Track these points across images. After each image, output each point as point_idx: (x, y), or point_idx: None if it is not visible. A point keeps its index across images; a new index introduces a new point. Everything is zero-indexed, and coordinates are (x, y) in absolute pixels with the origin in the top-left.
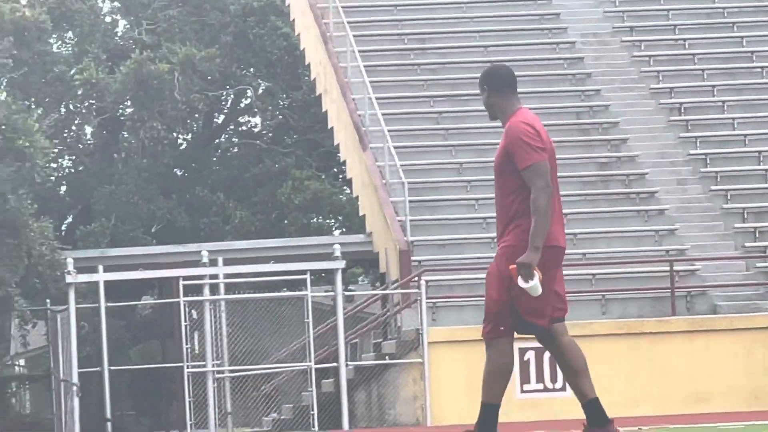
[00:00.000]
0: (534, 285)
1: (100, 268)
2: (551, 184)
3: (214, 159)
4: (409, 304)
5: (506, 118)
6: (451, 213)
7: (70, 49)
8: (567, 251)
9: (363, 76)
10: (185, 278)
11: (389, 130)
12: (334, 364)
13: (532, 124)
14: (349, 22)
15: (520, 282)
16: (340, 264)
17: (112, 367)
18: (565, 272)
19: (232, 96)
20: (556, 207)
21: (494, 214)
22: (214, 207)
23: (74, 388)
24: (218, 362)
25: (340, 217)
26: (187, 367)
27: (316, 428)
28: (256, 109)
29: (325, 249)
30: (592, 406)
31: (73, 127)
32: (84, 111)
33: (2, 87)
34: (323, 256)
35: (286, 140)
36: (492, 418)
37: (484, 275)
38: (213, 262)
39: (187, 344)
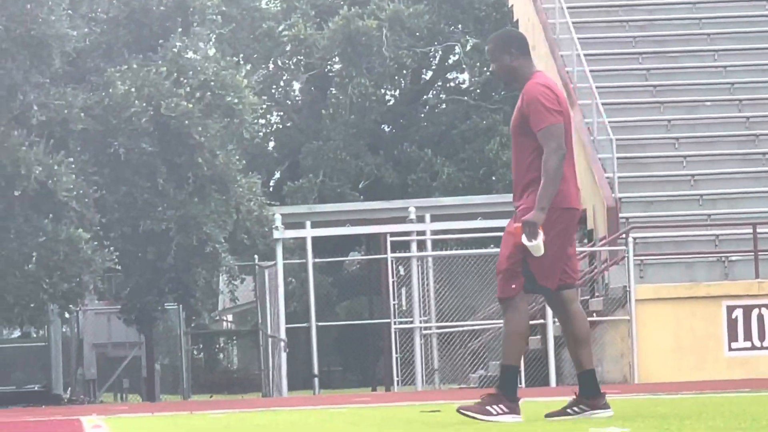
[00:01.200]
0: (537, 244)
1: (308, 224)
2: (564, 147)
3: (422, 115)
4: (616, 261)
5: (525, 81)
6: (658, 170)
7: (278, 5)
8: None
9: (571, 32)
10: (392, 234)
11: (597, 87)
12: (541, 320)
13: (551, 86)
14: None
15: (524, 240)
16: None
17: (320, 323)
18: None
19: (439, 52)
20: (571, 170)
21: (703, 171)
22: (422, 163)
23: (282, 343)
24: (425, 318)
25: None
26: (394, 324)
27: (523, 385)
28: (464, 66)
29: None
30: (586, 377)
31: (281, 83)
32: (292, 67)
33: (211, 43)
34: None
35: (493, 96)
36: (512, 380)
37: (691, 233)
38: (420, 219)
39: (394, 300)
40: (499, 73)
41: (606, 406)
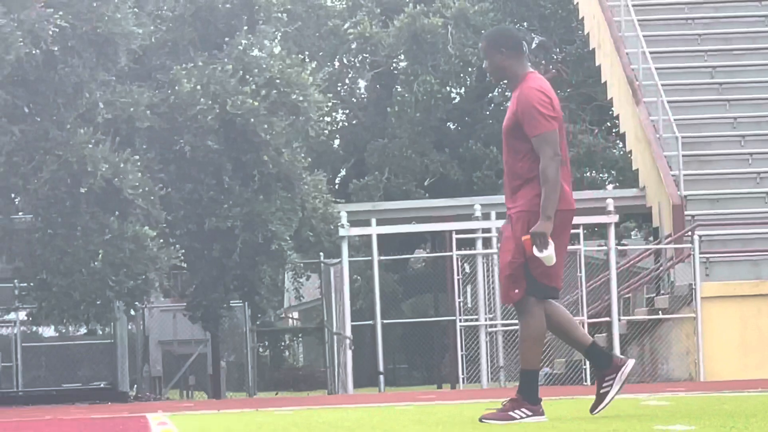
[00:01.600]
0: (549, 254)
1: (373, 221)
2: (560, 152)
3: (487, 113)
4: (682, 258)
5: (518, 81)
6: (724, 167)
7: (344, 2)
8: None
9: (637, 30)
10: (458, 232)
11: (663, 84)
12: (607, 318)
13: (546, 91)
14: None
15: (535, 251)
16: (614, 218)
17: (385, 321)
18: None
19: None
20: (565, 171)
21: (767, 169)
22: (487, 161)
23: (347, 341)
24: (490, 316)
25: (613, 172)
26: (460, 321)
27: (589, 383)
28: (529, 63)
29: (598, 203)
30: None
31: (347, 81)
32: (357, 65)
33: (277, 41)
34: (596, 210)
35: (559, 94)
36: (533, 384)
37: (758, 230)
38: (485, 216)
39: (459, 298)
40: (490, 70)
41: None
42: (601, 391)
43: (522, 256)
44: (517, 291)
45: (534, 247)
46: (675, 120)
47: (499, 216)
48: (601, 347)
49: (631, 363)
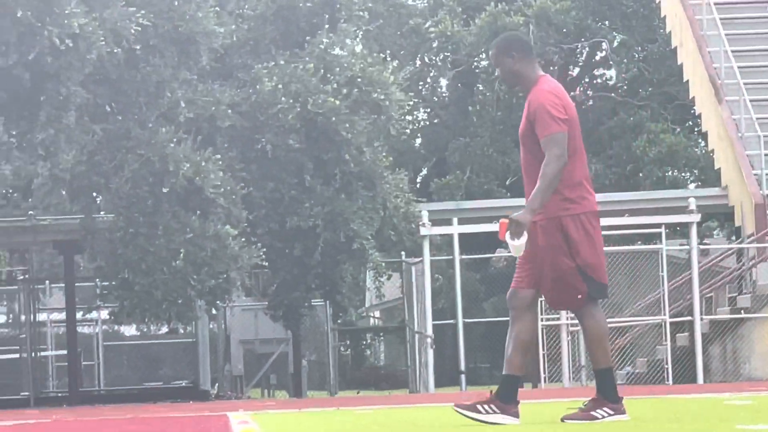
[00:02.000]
0: (519, 244)
1: (455, 220)
2: (566, 155)
3: None
4: (764, 257)
5: (530, 85)
6: None
7: (425, 1)
8: None
9: (719, 28)
10: None
11: (745, 83)
12: (689, 317)
13: (557, 93)
14: None
15: (507, 237)
16: (695, 217)
17: (466, 320)
18: None
19: (587, 49)
20: (585, 173)
21: None
22: None
23: (428, 340)
24: (572, 315)
25: (695, 171)
26: (541, 320)
27: (670, 382)
28: (611, 62)
29: (680, 202)
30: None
31: (428, 80)
32: (439, 63)
33: (358, 39)
34: (678, 209)
35: (641, 93)
36: (611, 382)
37: None
38: None
39: (541, 297)
40: (503, 77)
41: (516, 415)
42: (481, 417)
43: (572, 260)
44: (580, 297)
45: (507, 233)
46: (757, 119)
47: None
48: (516, 388)
49: (501, 419)
